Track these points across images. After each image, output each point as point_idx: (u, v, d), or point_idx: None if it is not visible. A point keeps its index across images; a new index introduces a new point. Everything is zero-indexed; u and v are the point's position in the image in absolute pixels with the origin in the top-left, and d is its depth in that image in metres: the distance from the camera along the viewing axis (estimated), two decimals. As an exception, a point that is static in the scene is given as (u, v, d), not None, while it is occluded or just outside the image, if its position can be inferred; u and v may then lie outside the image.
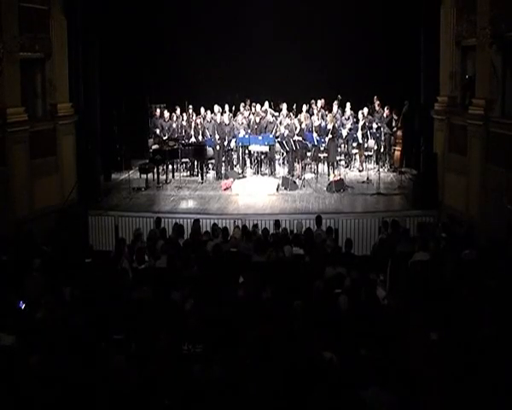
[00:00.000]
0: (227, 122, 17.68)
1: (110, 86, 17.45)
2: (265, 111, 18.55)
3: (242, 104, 19.15)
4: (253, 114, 18.39)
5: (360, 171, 17.90)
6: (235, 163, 18.34)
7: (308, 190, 16.14)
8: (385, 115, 17.66)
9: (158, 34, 19.25)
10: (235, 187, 16.38)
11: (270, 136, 17.25)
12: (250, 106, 19.18)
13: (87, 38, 15.38)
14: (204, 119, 18.24)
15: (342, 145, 18.26)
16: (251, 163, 18.27)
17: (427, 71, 15.02)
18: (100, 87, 16.09)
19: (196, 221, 12.71)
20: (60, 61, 15.05)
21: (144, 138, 19.14)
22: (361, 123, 17.58)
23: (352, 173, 17.70)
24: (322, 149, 17.26)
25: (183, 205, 15.37)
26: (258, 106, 18.67)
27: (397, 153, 17.84)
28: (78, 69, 15.36)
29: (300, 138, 16.91)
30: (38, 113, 15.12)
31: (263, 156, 17.81)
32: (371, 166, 17.94)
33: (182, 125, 18.20)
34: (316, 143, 16.92)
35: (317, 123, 17.33)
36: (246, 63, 19.42)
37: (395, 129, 17.80)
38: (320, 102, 18.81)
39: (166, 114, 18.33)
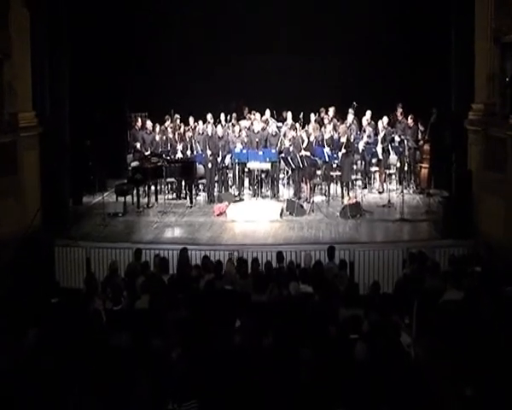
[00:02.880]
0: (221, 134, 17.74)
1: (82, 92, 17.51)
2: (267, 121, 18.62)
3: (235, 115, 19.26)
4: (253, 124, 18.45)
5: (380, 192, 17.97)
6: (230, 183, 18.40)
7: (318, 216, 16.17)
8: (409, 126, 17.72)
9: (139, 30, 19.40)
10: (230, 212, 16.41)
11: (273, 151, 17.30)
12: (249, 115, 19.28)
13: (55, 36, 15.41)
14: (194, 130, 18.31)
15: (358, 162, 18.30)
16: (249, 183, 18.32)
17: (459, 73, 15.06)
18: (70, 93, 16.11)
19: (184, 252, 12.69)
20: (21, 62, 15.08)
21: (122, 154, 19.19)
22: (381, 135, 17.65)
23: (370, 196, 17.78)
24: (334, 166, 17.30)
25: (169, 234, 15.41)
26: (258, 115, 18.74)
27: (423, 171, 17.89)
28: (44, 72, 15.39)
29: (308, 154, 16.96)
30: (-5, 123, 15.18)
31: (264, 175, 17.87)
32: (393, 186, 17.99)
33: (167, 138, 18.27)
34: (327, 159, 16.96)
35: (328, 135, 17.39)
36: (244, 64, 19.56)
37: (421, 142, 17.87)
38: (332, 111, 18.88)
39: (149, 124, 18.39)
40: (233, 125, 18.80)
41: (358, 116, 18.53)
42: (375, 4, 18.56)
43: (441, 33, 15.81)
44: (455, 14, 14.93)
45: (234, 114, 19.40)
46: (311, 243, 14.30)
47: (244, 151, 17.52)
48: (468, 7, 14.46)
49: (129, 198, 16.94)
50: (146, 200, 17.46)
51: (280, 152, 17.42)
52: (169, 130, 18.46)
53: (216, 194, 17.84)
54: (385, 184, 18.06)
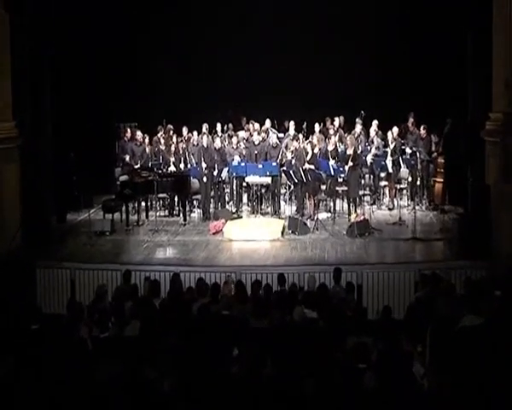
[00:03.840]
0: (217, 146, 17.75)
1: (66, 101, 17.53)
2: (267, 131, 18.64)
3: (231, 126, 19.27)
4: (252, 135, 18.48)
5: (390, 209, 17.99)
6: (227, 199, 18.40)
7: (322, 235, 16.16)
8: (421, 137, 17.74)
9: (129, 36, 19.44)
10: (227, 230, 16.39)
11: (273, 164, 17.32)
12: (248, 125, 19.30)
13: (37, 40, 15.46)
14: (187, 142, 18.33)
15: (367, 176, 18.32)
16: (248, 199, 18.33)
17: (475, 80, 15.11)
18: (53, 102, 16.14)
19: (177, 275, 12.70)
20: (1, 68, 15.10)
21: (110, 167, 19.19)
22: (391, 147, 17.67)
23: (379, 212, 17.79)
24: (340, 180, 17.31)
25: (160, 254, 15.38)
26: (258, 125, 18.77)
27: (437, 186, 17.92)
28: (25, 79, 15.42)
29: (312, 167, 16.97)
30: (-28, 134, 15.17)
31: (263, 190, 17.87)
32: (404, 202, 18.01)
33: (159, 150, 18.28)
34: (332, 172, 16.97)
35: (333, 147, 17.39)
36: (241, 69, 19.60)
37: (435, 155, 17.89)
38: (338, 120, 18.92)
39: (139, 135, 18.41)
40: (230, 137, 18.80)
41: (367, 126, 18.54)
42: (386, 8, 18.62)
43: (457, 38, 15.84)
44: (472, 17, 14.97)
45: (231, 125, 19.43)
46: (316, 265, 14.23)
47: (242, 164, 17.53)
48: (486, 11, 14.49)
49: (117, 215, 16.93)
50: (136, 217, 17.42)
51: (281, 165, 17.44)
52: (161, 141, 18.45)
53: (212, 211, 17.83)
54: (395, 200, 18.05)
